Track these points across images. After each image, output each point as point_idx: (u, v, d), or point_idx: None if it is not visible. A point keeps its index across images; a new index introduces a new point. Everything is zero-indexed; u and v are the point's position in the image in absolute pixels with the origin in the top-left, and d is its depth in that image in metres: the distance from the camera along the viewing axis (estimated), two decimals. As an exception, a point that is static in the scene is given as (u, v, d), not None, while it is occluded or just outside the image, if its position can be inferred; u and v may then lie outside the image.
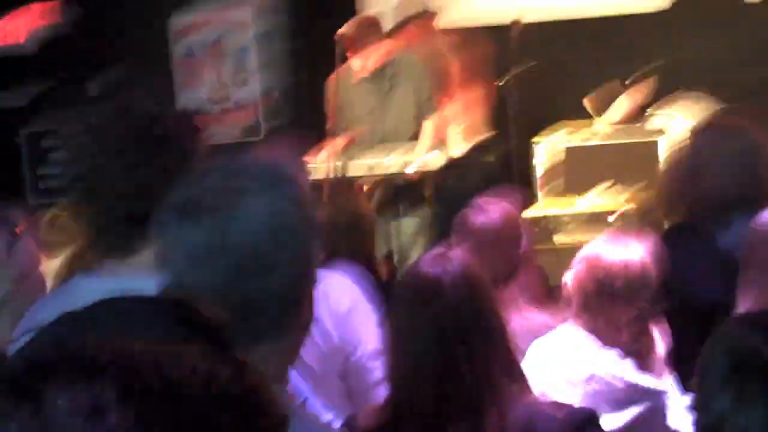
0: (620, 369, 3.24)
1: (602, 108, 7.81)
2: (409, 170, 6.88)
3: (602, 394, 3.23)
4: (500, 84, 7.25)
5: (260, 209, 1.72)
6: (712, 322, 2.18)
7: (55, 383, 0.90)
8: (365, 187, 7.04)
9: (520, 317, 3.23)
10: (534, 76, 7.91)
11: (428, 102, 7.31)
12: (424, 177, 6.68)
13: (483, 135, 7.40)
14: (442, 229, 3.74)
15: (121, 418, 0.89)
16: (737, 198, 3.66)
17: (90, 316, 1.19)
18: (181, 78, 9.22)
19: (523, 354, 3.06)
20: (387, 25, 7.66)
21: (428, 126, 7.28)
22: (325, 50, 7.52)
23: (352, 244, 4.50)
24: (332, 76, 7.26)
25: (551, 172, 7.53)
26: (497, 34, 7.77)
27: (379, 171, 6.97)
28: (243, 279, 1.71)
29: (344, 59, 7.20)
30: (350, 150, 7.28)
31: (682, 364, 3.31)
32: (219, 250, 1.70)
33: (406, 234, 7.06)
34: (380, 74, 7.26)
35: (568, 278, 3.34)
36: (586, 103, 7.79)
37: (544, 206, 7.36)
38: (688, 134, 4.20)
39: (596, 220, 6.89)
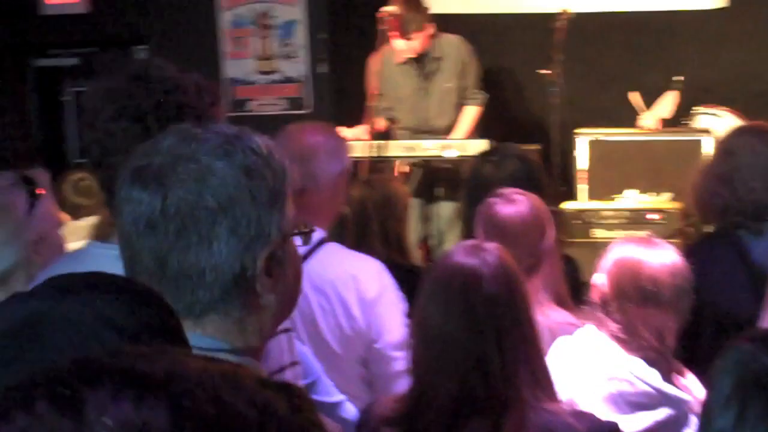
0: (646, 374, 3.16)
1: (647, 104, 7.72)
2: (448, 154, 6.82)
3: (625, 397, 3.16)
4: (543, 73, 7.15)
5: (205, 177, 1.67)
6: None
7: (100, 396, 0.81)
8: (404, 169, 7.00)
9: (540, 313, 3.14)
10: (578, 69, 7.85)
11: (471, 87, 7.24)
12: (462, 161, 6.62)
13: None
14: (473, 218, 3.66)
15: None
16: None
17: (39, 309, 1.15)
18: (228, 48, 9.20)
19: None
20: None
21: (469, 111, 7.24)
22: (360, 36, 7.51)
23: (382, 225, 4.45)
24: (375, 55, 7.19)
25: (593, 166, 7.45)
26: (543, 22, 7.69)
27: (418, 153, 6.92)
28: (181, 247, 1.67)
29: (387, 38, 7.11)
30: (390, 130, 7.25)
31: (704, 377, 3.24)
32: (159, 216, 1.67)
33: (443, 218, 7.01)
34: (424, 56, 7.19)
35: (600, 281, 3.24)
36: (632, 97, 7.70)
37: (584, 200, 7.29)
38: (724, 137, 4.10)
39: (636, 218, 6.80)
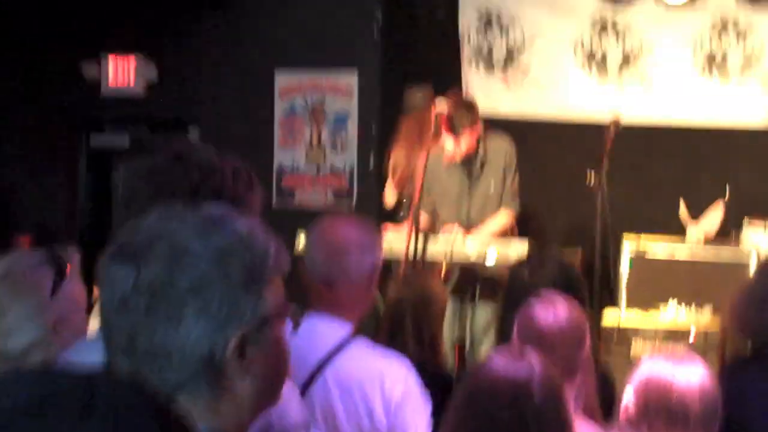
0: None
1: (694, 216, 7.66)
2: (489, 260, 6.79)
3: None
4: (590, 178, 7.13)
5: (179, 256, 1.66)
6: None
7: None
8: (443, 270, 6.96)
9: (570, 426, 3.07)
10: (626, 175, 7.84)
11: (508, 191, 7.25)
12: (502, 264, 6.58)
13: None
14: (510, 323, 3.61)
15: None
16: None
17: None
18: (281, 136, 9.27)
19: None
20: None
21: (501, 215, 7.21)
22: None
23: (417, 324, 4.41)
24: (423, 155, 7.20)
25: (635, 275, 7.39)
26: (593, 127, 7.70)
27: (459, 255, 6.88)
28: (150, 326, 1.66)
29: (437, 137, 7.13)
30: (432, 229, 7.24)
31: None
32: (131, 293, 1.66)
33: (479, 322, 6.96)
34: (470, 159, 7.20)
35: (628, 398, 3.17)
36: (681, 207, 7.65)
37: (625, 313, 7.22)
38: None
39: (677, 335, 6.72)
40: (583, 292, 4.05)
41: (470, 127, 7.10)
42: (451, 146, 7.13)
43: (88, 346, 2.38)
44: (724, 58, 8.50)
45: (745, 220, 7.64)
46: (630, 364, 5.32)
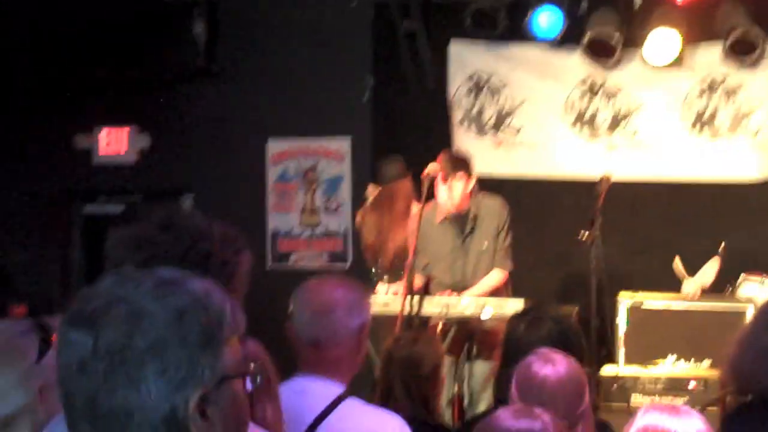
0: None
1: (689, 270, 7.68)
2: (485, 315, 6.79)
3: None
4: (584, 236, 7.15)
5: (137, 318, 1.68)
6: None
7: None
8: (439, 327, 6.96)
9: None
10: (620, 232, 7.87)
11: (501, 251, 7.25)
12: (499, 321, 6.58)
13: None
14: (508, 378, 3.61)
15: None
16: None
17: None
18: (273, 201, 9.31)
19: None
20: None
21: (494, 275, 7.22)
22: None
23: (406, 384, 4.40)
24: (416, 213, 7.23)
25: (632, 330, 7.39)
26: (586, 186, 7.75)
27: (455, 312, 6.88)
28: (110, 388, 1.67)
29: (429, 196, 7.16)
30: (427, 287, 7.25)
31: None
32: (90, 357, 1.67)
33: (477, 378, 6.95)
34: (463, 215, 7.22)
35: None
36: (675, 264, 7.67)
37: (624, 364, 7.22)
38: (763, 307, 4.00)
39: (675, 385, 6.71)
40: (581, 346, 4.05)
41: (465, 177, 7.11)
42: (445, 197, 7.13)
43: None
44: (713, 115, 8.57)
45: (742, 276, 7.65)
46: (629, 418, 5.32)
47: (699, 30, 8.37)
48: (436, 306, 6.92)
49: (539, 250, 8.56)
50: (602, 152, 8.74)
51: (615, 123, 8.77)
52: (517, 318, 4.26)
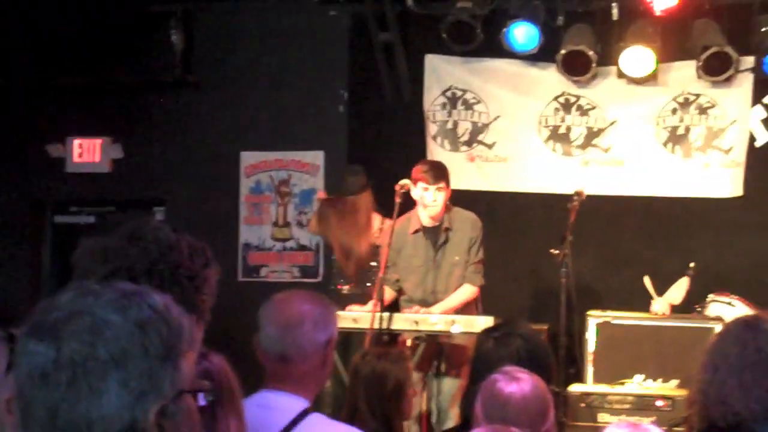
0: None
1: (659, 289, 7.70)
2: (455, 330, 6.77)
3: None
4: (555, 253, 7.16)
5: (99, 329, 1.68)
6: None
7: None
8: (409, 342, 6.94)
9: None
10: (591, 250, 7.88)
11: (472, 266, 7.23)
12: (468, 337, 6.56)
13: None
14: (475, 394, 3.59)
15: None
16: (759, 408, 3.40)
17: None
18: (245, 214, 9.28)
19: None
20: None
21: (464, 290, 7.20)
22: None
23: (369, 401, 4.38)
24: (390, 225, 7.21)
25: (601, 349, 7.40)
26: (558, 203, 7.76)
27: (424, 327, 6.86)
28: (72, 398, 1.67)
29: (403, 209, 7.14)
30: (397, 302, 7.23)
31: None
32: (52, 367, 1.68)
33: (445, 394, 6.93)
34: (437, 227, 7.21)
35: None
36: (646, 281, 7.69)
37: (592, 383, 7.22)
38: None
39: (643, 403, 6.71)
40: (550, 364, 4.04)
41: (445, 187, 7.09)
42: (430, 203, 7.08)
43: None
44: (686, 132, 8.61)
45: (710, 296, 7.67)
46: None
47: (673, 47, 8.41)
48: (405, 322, 6.90)
49: (511, 265, 8.56)
50: (576, 168, 8.76)
51: (589, 139, 8.79)
52: (485, 334, 4.24)
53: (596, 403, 6.75)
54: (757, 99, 8.47)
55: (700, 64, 8.18)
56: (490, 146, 8.96)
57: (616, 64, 8.42)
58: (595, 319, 7.48)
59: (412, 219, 7.24)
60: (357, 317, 6.90)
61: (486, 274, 7.31)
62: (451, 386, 6.87)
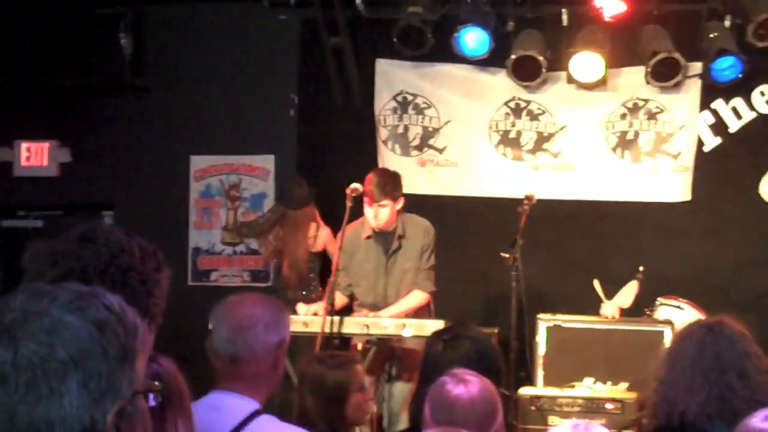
0: None
1: (608, 293, 7.74)
2: (406, 333, 6.77)
3: None
4: (505, 257, 7.18)
5: (57, 330, 1.66)
6: None
7: None
8: (360, 346, 6.93)
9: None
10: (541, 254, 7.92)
11: (424, 273, 7.23)
12: (419, 341, 6.55)
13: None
14: (425, 397, 3.59)
15: None
16: (713, 407, 3.43)
17: None
18: (195, 218, 9.24)
19: None
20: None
21: (414, 295, 7.20)
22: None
23: (316, 403, 4.37)
24: (342, 230, 7.19)
25: (551, 352, 7.43)
26: (509, 206, 7.79)
27: (375, 331, 6.85)
28: (31, 400, 1.65)
29: (355, 213, 7.12)
30: (348, 307, 7.22)
31: None
32: (10, 369, 1.65)
33: (396, 398, 6.93)
34: (389, 233, 7.20)
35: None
36: (596, 284, 7.73)
37: (542, 386, 7.25)
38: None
39: (592, 406, 6.75)
40: (499, 367, 4.05)
41: (391, 203, 7.08)
42: (371, 216, 7.09)
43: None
44: (635, 137, 8.67)
45: (658, 300, 7.72)
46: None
47: (623, 53, 8.47)
48: (356, 326, 6.89)
49: (461, 269, 8.57)
50: (526, 172, 8.79)
51: (539, 143, 8.83)
52: (435, 337, 4.25)
53: (546, 406, 6.79)
54: (705, 104, 8.55)
55: (649, 69, 8.24)
56: (440, 151, 8.98)
57: (566, 69, 8.47)
58: (545, 322, 7.52)
59: (365, 224, 7.23)
60: (308, 321, 6.89)
61: (437, 278, 7.32)
62: (402, 390, 6.87)
